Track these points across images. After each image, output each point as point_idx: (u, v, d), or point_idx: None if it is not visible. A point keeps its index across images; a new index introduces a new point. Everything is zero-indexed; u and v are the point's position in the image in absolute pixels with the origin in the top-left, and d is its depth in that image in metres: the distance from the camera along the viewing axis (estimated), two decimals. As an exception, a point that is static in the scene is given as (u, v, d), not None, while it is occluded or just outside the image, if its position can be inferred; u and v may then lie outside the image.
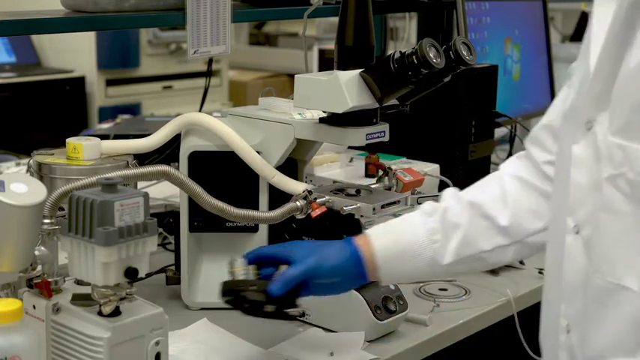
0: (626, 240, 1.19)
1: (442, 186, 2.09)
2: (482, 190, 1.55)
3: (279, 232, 1.75)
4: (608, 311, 1.21)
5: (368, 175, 2.10)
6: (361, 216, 1.68)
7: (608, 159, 1.19)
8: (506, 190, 1.51)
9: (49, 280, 1.39)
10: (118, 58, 4.77)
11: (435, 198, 1.79)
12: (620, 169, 1.17)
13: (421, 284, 1.94)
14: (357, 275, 1.51)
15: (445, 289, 1.93)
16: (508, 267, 2.07)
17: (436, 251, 1.50)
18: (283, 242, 1.64)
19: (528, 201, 1.50)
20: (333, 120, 1.67)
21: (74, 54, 4.70)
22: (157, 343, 1.35)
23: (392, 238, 1.52)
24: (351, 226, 1.71)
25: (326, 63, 3.41)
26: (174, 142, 1.86)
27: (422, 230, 1.51)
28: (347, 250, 1.51)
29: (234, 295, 1.50)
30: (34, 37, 4.69)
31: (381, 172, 1.89)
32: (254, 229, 1.79)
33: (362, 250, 1.51)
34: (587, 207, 1.24)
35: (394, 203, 1.71)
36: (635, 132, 1.16)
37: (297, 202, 1.67)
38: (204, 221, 1.77)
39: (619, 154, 1.18)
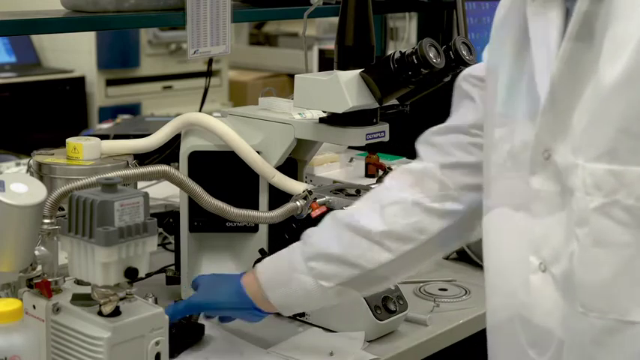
0: (630, 271, 1.09)
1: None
2: (359, 208, 1.49)
3: (279, 232, 1.75)
4: (610, 352, 1.11)
5: (368, 175, 2.10)
6: (361, 216, 1.68)
7: (594, 188, 1.09)
8: (385, 206, 1.44)
9: (49, 280, 1.39)
10: (118, 58, 4.76)
11: None
12: (613, 196, 1.08)
13: (421, 284, 1.94)
14: (248, 310, 1.54)
15: (445, 289, 1.93)
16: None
17: (317, 275, 1.47)
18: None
19: (410, 218, 1.42)
20: (333, 120, 1.67)
21: (74, 54, 4.70)
22: (157, 343, 1.35)
23: (273, 270, 1.52)
24: (351, 226, 1.71)
25: (326, 63, 3.41)
26: (174, 142, 1.86)
27: (299, 257, 1.48)
28: (233, 286, 1.54)
29: None
30: (34, 37, 4.68)
31: (381, 172, 1.89)
32: (254, 229, 1.79)
33: (246, 285, 1.53)
34: (552, 242, 1.15)
35: (394, 203, 1.71)
36: (627, 154, 1.07)
37: (297, 202, 1.67)
38: (204, 221, 1.77)
39: (610, 180, 1.08)
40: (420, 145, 1.46)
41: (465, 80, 1.43)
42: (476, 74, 1.41)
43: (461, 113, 1.43)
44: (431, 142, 1.45)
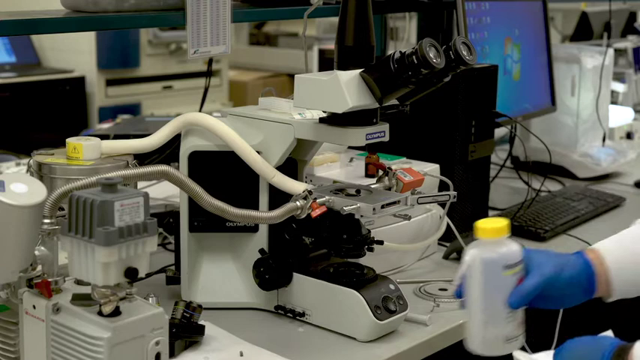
0: None
1: (442, 186, 2.09)
2: None
3: (279, 232, 1.75)
4: None
5: (368, 175, 2.10)
6: (361, 216, 1.68)
7: None
8: None
9: (49, 280, 1.39)
10: (118, 58, 4.77)
11: (436, 198, 1.78)
12: None
13: (421, 284, 1.94)
14: (586, 289, 1.50)
15: (445, 289, 1.92)
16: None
17: None
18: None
19: None
20: (333, 120, 1.67)
21: (74, 54, 4.71)
22: (157, 343, 1.35)
23: (624, 250, 1.49)
24: (351, 226, 1.71)
25: (326, 63, 3.42)
26: (174, 142, 1.86)
27: None
28: (579, 262, 1.50)
29: None
30: (34, 37, 4.70)
31: (381, 172, 1.89)
32: (254, 229, 1.79)
33: (594, 263, 1.49)
34: None
35: (394, 203, 1.71)
36: None
37: (297, 202, 1.67)
38: (204, 221, 1.77)
39: None
40: None
41: None
42: None
43: None
44: None
